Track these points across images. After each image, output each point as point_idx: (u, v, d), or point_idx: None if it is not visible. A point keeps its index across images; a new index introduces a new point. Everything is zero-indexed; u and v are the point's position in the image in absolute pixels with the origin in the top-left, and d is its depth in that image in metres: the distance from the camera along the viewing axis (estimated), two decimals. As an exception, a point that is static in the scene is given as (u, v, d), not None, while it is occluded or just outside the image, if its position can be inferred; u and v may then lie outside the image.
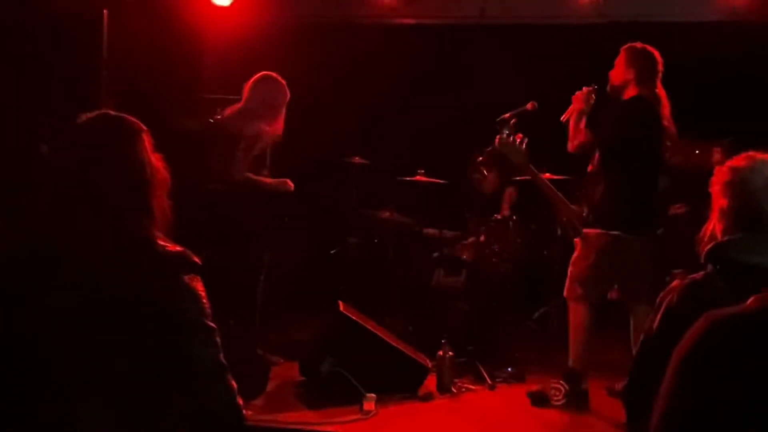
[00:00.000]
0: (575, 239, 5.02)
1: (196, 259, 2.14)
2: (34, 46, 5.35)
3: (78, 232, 2.06)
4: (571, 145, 5.09)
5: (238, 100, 5.94)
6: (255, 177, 5.29)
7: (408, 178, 6.45)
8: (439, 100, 7.50)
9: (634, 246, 4.76)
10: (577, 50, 6.98)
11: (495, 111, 5.67)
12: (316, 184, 7.44)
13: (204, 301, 2.12)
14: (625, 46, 4.99)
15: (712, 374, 1.48)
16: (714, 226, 2.51)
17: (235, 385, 2.12)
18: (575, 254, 4.98)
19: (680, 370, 1.51)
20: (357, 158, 6.90)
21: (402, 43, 7.40)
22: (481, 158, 5.85)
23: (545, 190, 5.04)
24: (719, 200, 2.50)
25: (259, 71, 5.45)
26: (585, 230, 4.90)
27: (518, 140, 4.92)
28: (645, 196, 4.81)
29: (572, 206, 5.01)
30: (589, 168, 5.08)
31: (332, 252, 7.14)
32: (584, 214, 4.94)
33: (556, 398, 4.86)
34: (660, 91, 4.88)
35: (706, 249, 2.44)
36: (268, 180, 5.43)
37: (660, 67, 4.91)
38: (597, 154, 4.96)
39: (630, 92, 4.89)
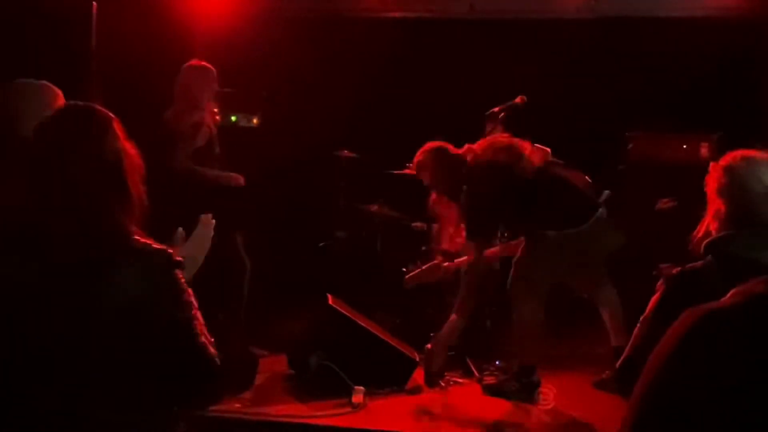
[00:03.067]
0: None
1: (178, 258, 2.14)
2: (23, 40, 5.32)
3: (52, 224, 2.05)
4: None
5: (227, 93, 5.94)
6: (198, 168, 5.21)
7: (396, 172, 6.45)
8: (427, 95, 7.50)
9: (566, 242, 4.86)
10: (566, 46, 6.99)
11: (483, 105, 5.70)
12: (304, 177, 7.45)
13: (187, 295, 2.13)
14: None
15: (694, 370, 1.49)
16: (709, 225, 2.52)
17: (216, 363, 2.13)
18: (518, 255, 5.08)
19: (660, 367, 1.51)
20: (345, 152, 6.90)
21: (390, 37, 7.39)
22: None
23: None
24: (715, 202, 2.51)
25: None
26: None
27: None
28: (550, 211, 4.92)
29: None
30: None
31: (320, 245, 7.13)
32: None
33: (545, 402, 4.86)
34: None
35: (705, 242, 2.46)
36: (215, 172, 5.34)
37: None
38: None
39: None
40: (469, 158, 5.00)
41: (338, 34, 7.48)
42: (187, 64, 5.39)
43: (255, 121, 6.90)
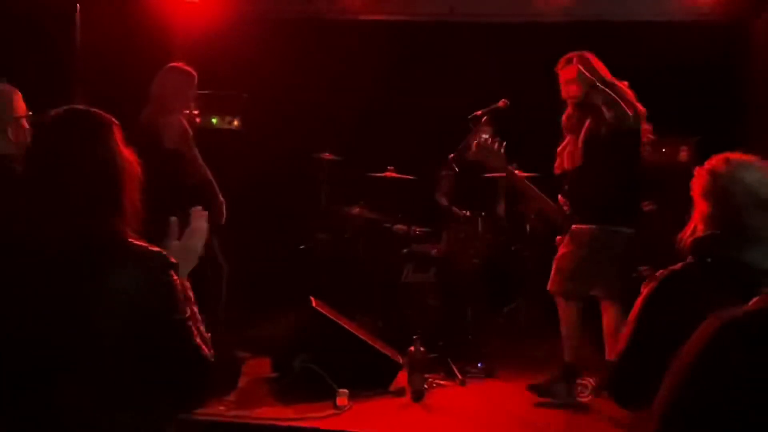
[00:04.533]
0: (557, 237, 5.05)
1: (172, 259, 2.15)
2: (6, 40, 5.28)
3: (47, 226, 2.06)
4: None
5: (208, 95, 5.92)
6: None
7: (378, 175, 6.47)
8: (408, 97, 7.53)
9: (617, 241, 4.80)
10: (546, 48, 7.01)
11: (465, 108, 5.71)
12: (285, 179, 7.44)
13: (182, 296, 2.14)
14: (560, 64, 5.05)
15: (723, 375, 1.49)
16: (696, 227, 2.56)
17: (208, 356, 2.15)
18: (562, 250, 4.98)
19: (688, 373, 1.51)
20: (327, 154, 6.90)
21: (371, 39, 7.42)
22: (452, 155, 5.87)
23: (525, 189, 5.07)
24: (700, 204, 2.55)
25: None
26: (573, 226, 4.91)
27: (496, 143, 4.94)
28: (628, 191, 4.86)
29: (552, 203, 5.04)
30: (556, 167, 5.12)
31: (301, 248, 7.13)
32: (566, 210, 4.98)
33: (582, 394, 4.85)
34: (621, 85, 4.90)
35: (690, 241, 2.50)
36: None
37: (600, 65, 4.94)
38: (571, 152, 4.99)
39: (588, 99, 4.90)
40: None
41: (319, 37, 7.49)
42: (168, 66, 5.36)
43: (236, 123, 6.88)
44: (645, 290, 2.52)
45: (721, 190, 2.48)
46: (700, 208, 2.54)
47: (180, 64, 5.37)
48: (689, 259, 2.49)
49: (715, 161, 2.55)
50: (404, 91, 7.60)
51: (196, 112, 5.62)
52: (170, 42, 6.90)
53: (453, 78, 7.31)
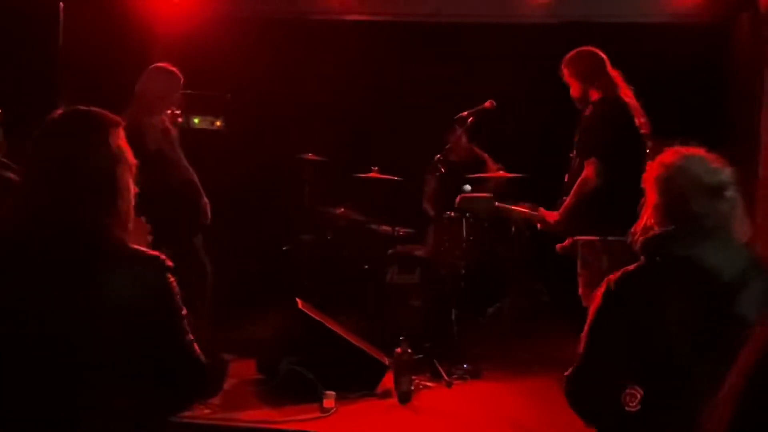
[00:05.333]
0: (558, 246, 4.97)
1: (168, 262, 2.15)
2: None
3: (46, 227, 2.05)
4: None
5: (191, 95, 5.88)
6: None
7: (362, 175, 6.45)
8: (393, 97, 7.52)
9: (626, 248, 4.75)
10: (531, 50, 7.04)
11: (450, 108, 5.71)
12: (268, 180, 7.40)
13: (178, 298, 2.15)
14: (565, 60, 4.96)
15: None
16: (647, 220, 2.57)
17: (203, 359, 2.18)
18: (583, 261, 4.83)
19: (750, 384, 1.43)
20: (310, 155, 6.87)
21: (355, 40, 7.39)
22: (438, 156, 5.87)
23: (520, 216, 5.04)
24: (650, 196, 2.58)
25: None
26: (586, 237, 4.84)
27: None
28: (631, 197, 4.80)
29: (545, 214, 4.96)
30: (566, 177, 5.05)
31: (285, 249, 7.09)
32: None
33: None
34: (615, 78, 4.86)
35: (639, 243, 2.52)
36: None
37: (606, 62, 4.89)
38: (577, 162, 4.89)
39: (592, 97, 4.87)
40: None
41: (303, 37, 7.46)
42: (153, 66, 5.31)
43: (218, 123, 6.83)
44: (598, 294, 2.53)
45: (669, 180, 2.51)
46: (651, 200, 2.57)
47: (165, 65, 5.32)
48: (642, 259, 2.51)
49: (665, 154, 2.57)
50: (389, 91, 7.59)
51: (178, 112, 5.57)
52: (153, 41, 6.84)
53: (438, 78, 7.30)
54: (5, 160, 3.62)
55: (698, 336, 2.29)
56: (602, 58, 4.90)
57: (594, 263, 4.81)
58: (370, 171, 6.45)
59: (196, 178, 5.47)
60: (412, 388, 5.02)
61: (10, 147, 3.83)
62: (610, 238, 4.72)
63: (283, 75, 7.32)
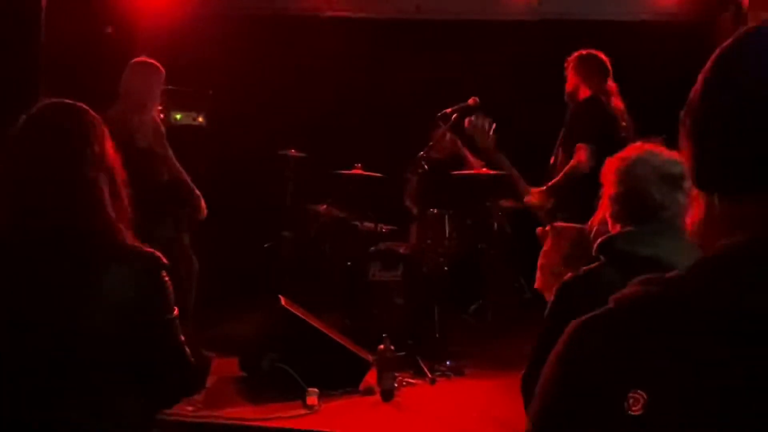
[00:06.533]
0: (539, 228, 4.99)
1: (164, 259, 2.14)
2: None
3: (41, 223, 2.02)
4: None
5: (172, 91, 5.85)
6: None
7: (345, 172, 6.44)
8: (374, 94, 7.51)
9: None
10: (512, 47, 7.06)
11: (432, 106, 5.70)
12: (250, 177, 7.38)
13: (171, 296, 2.14)
14: (574, 55, 5.05)
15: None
16: (603, 214, 2.57)
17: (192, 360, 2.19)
18: (546, 247, 4.94)
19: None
20: (292, 151, 6.85)
21: (337, 36, 7.37)
22: (422, 153, 5.87)
23: (511, 177, 5.04)
24: (608, 188, 2.56)
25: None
26: (556, 224, 4.88)
27: (487, 123, 4.92)
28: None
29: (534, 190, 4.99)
30: (551, 161, 5.13)
31: (266, 246, 7.07)
32: (549, 207, 4.94)
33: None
34: (610, 88, 4.98)
35: (598, 241, 2.50)
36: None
37: (610, 74, 5.01)
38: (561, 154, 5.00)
39: (582, 95, 4.97)
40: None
41: (285, 33, 7.45)
42: (134, 60, 5.27)
43: (200, 119, 6.81)
44: (553, 296, 2.52)
45: (628, 170, 2.49)
46: (608, 191, 2.55)
47: (146, 59, 5.28)
48: (601, 259, 2.47)
49: (626, 149, 2.58)
50: (371, 88, 7.59)
51: (159, 107, 5.54)
52: (135, 38, 6.80)
53: (420, 75, 7.30)
54: None
55: None
56: (608, 70, 5.02)
57: (553, 251, 4.86)
58: (353, 168, 6.44)
59: (186, 176, 5.44)
60: (395, 385, 5.02)
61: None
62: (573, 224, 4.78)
63: (266, 71, 7.30)
